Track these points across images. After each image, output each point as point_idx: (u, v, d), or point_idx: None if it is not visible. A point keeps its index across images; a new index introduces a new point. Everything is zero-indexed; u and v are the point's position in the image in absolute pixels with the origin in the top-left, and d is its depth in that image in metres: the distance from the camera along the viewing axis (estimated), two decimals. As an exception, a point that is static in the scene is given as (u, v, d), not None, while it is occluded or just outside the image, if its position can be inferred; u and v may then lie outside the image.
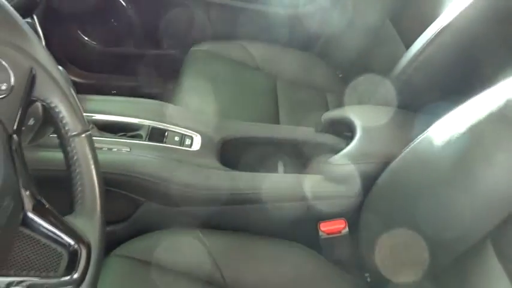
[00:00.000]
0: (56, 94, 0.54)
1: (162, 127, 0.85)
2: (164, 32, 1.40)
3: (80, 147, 0.55)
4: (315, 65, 1.29)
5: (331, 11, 1.27)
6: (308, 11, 1.33)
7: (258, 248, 0.80)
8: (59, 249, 0.48)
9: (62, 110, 0.54)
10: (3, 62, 0.51)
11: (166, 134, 0.84)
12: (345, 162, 0.80)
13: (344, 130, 0.93)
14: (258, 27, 1.32)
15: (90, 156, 0.55)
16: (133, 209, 0.79)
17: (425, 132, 0.68)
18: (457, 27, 0.85)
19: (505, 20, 0.84)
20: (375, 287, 0.79)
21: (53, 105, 0.54)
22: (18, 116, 0.51)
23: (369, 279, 0.81)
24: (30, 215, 0.47)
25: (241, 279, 0.74)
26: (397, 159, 0.72)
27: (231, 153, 0.88)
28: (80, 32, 1.41)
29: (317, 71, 1.28)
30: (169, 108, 0.91)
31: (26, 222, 0.47)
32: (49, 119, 0.56)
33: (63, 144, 0.55)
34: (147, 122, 0.85)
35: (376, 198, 0.75)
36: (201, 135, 0.86)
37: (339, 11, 1.25)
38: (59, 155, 0.55)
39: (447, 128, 0.63)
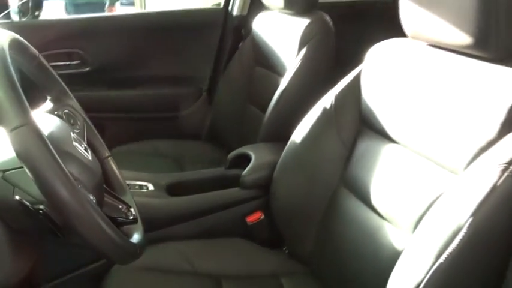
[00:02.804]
0: None
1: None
2: None
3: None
4: None
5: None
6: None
7: (208, 245, 1.19)
8: None
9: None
10: None
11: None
12: (251, 172, 1.26)
13: (243, 162, 1.38)
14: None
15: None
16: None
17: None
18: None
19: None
20: (291, 256, 1.21)
21: None
22: None
23: (286, 251, 1.23)
24: None
25: (205, 267, 1.11)
26: (278, 163, 1.20)
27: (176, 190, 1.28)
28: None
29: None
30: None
31: None
32: None
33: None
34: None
35: (274, 190, 1.21)
36: (152, 183, 1.25)
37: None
38: None
39: (300, 129, 1.13)
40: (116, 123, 1.85)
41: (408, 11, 0.93)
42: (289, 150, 1.18)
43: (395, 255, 0.85)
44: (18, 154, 0.58)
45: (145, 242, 0.80)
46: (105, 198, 0.80)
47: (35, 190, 0.61)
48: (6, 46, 0.68)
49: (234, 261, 1.16)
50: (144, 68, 1.91)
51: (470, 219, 0.70)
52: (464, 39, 0.81)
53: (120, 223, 0.79)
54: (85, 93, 1.84)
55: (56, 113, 0.85)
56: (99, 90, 1.88)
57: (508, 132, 0.74)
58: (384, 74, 1.02)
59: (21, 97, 0.60)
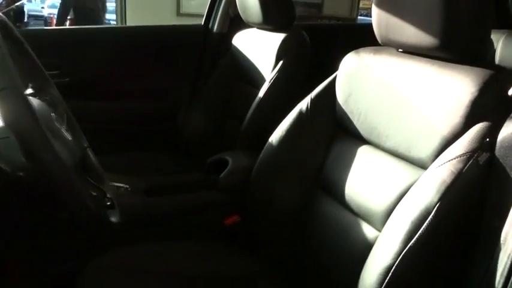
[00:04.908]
0: None
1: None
2: None
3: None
4: None
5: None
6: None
7: (185, 247, 1.19)
8: None
9: None
10: None
11: None
12: (228, 175, 1.28)
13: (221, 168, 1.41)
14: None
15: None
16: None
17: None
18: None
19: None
20: (268, 259, 1.22)
21: None
22: None
23: (264, 254, 1.25)
24: None
25: (181, 269, 1.11)
26: (255, 166, 1.23)
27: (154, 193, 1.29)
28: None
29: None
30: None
31: None
32: None
33: None
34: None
35: (251, 193, 1.23)
36: (129, 185, 1.26)
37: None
38: None
39: (276, 133, 1.17)
40: (92, 135, 1.84)
41: (380, 19, 0.99)
42: (266, 153, 1.22)
43: (368, 249, 0.88)
44: (3, 116, 0.60)
45: (122, 227, 0.80)
46: (85, 183, 0.81)
47: (16, 158, 0.62)
48: None
49: (211, 263, 1.16)
50: (123, 81, 1.93)
51: (439, 204, 0.74)
52: (430, 42, 0.87)
53: (97, 207, 0.80)
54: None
55: (37, 97, 0.86)
56: (77, 102, 1.87)
57: (472, 124, 0.79)
58: (356, 78, 1.07)
59: (10, 63, 0.62)
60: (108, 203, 0.82)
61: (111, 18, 6.38)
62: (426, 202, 0.76)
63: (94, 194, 0.81)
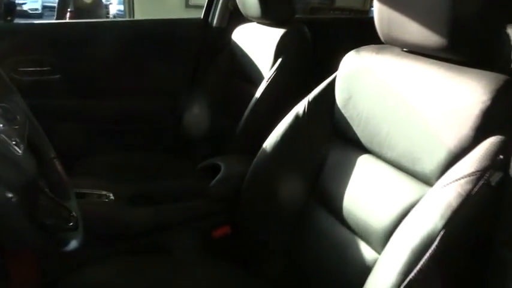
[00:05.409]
0: None
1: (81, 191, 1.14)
2: None
3: None
4: None
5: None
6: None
7: (169, 262, 1.10)
8: None
9: None
10: None
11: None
12: (218, 184, 1.19)
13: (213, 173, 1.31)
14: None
15: None
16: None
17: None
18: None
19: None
20: (258, 275, 1.13)
21: None
22: None
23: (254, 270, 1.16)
24: None
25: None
26: (247, 174, 1.14)
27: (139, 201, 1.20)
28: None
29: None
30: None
31: None
32: None
33: None
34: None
35: (242, 203, 1.14)
36: (112, 192, 1.17)
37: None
38: None
39: (270, 139, 1.07)
40: (85, 134, 1.77)
41: (382, 16, 0.89)
42: (259, 160, 1.12)
43: (365, 272, 0.79)
44: None
45: (84, 251, 0.72)
46: (43, 202, 0.72)
47: None
48: None
49: (197, 281, 1.08)
50: (117, 78, 1.84)
51: (443, 231, 0.64)
52: (438, 42, 0.77)
53: (56, 229, 0.72)
54: (54, 101, 1.77)
55: None
56: (69, 99, 1.80)
57: (484, 138, 0.69)
58: (357, 80, 0.97)
59: None
60: (71, 224, 0.74)
61: (120, 8, 6.34)
62: (429, 228, 0.66)
63: (53, 214, 0.73)
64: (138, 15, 5.14)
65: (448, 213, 0.65)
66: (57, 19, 4.57)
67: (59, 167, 0.85)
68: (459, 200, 0.65)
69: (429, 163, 0.77)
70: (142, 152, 1.75)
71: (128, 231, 1.11)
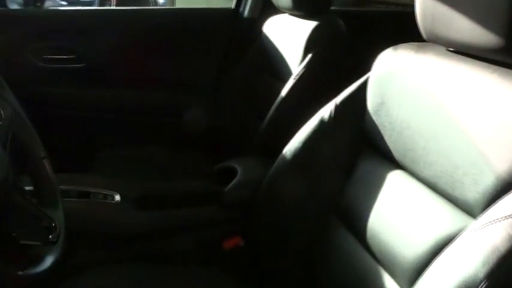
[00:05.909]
0: None
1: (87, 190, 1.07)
2: None
3: None
4: None
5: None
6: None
7: (174, 272, 1.01)
8: None
9: None
10: None
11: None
12: (233, 189, 1.09)
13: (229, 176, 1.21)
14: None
15: None
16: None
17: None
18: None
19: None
20: None
21: None
22: None
23: None
24: None
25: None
26: (264, 181, 1.03)
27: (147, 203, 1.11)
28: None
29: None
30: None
31: None
32: None
33: None
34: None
35: (256, 212, 1.03)
36: (119, 193, 1.09)
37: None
38: None
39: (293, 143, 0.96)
40: (107, 125, 1.71)
41: (426, 9, 0.75)
42: (278, 167, 1.01)
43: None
44: None
45: (59, 270, 0.63)
46: (22, 209, 0.64)
47: None
48: None
49: None
50: (143, 68, 1.76)
51: (486, 282, 0.51)
52: (492, 42, 0.62)
53: (29, 241, 0.63)
54: (77, 91, 1.72)
55: None
56: (92, 89, 1.74)
57: (545, 165, 0.55)
58: (391, 83, 0.84)
59: None
60: (50, 236, 0.65)
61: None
62: (467, 276, 0.53)
63: (27, 223, 0.64)
64: (179, 4, 5.08)
65: (493, 259, 0.51)
66: (100, 5, 4.57)
67: (48, 169, 0.77)
68: (508, 244, 0.51)
69: (473, 189, 0.63)
70: (163, 146, 1.66)
71: (131, 236, 1.02)
